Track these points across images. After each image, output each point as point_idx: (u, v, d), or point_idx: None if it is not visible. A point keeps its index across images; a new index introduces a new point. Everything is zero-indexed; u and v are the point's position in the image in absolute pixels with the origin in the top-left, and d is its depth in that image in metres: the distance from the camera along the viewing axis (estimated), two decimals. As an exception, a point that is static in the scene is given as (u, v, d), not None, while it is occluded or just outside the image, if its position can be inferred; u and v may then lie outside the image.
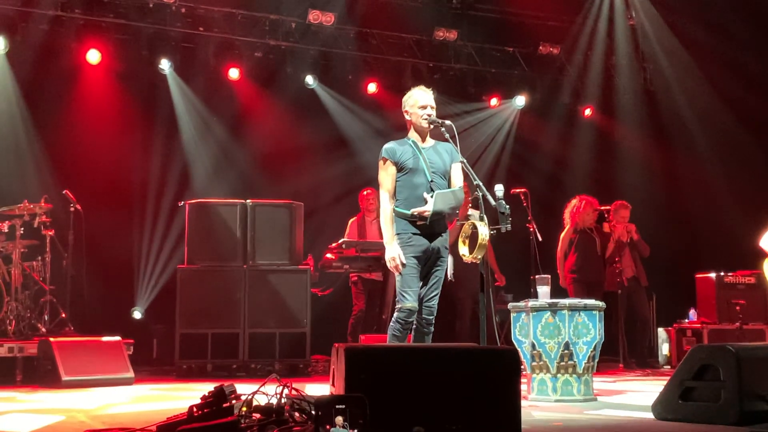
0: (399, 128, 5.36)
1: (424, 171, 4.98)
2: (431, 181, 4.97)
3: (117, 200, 8.85)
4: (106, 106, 8.93)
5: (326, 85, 10.01)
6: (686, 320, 8.78)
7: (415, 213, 4.90)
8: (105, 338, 6.83)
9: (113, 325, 7.71)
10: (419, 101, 5.08)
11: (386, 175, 5.04)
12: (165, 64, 9.10)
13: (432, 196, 4.87)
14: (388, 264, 4.92)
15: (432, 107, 5.09)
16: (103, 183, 8.70)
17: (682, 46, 10.26)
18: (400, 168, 5.00)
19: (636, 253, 8.67)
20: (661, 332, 8.86)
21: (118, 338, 6.88)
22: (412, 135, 5.15)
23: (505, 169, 10.69)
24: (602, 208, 8.49)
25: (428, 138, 5.15)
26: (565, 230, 8.45)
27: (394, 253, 4.88)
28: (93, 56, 8.78)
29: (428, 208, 4.87)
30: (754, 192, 9.27)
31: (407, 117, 5.14)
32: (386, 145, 5.09)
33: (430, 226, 4.93)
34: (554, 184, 10.40)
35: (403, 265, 4.88)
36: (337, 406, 3.15)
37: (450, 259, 5.09)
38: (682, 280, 9.25)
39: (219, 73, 9.40)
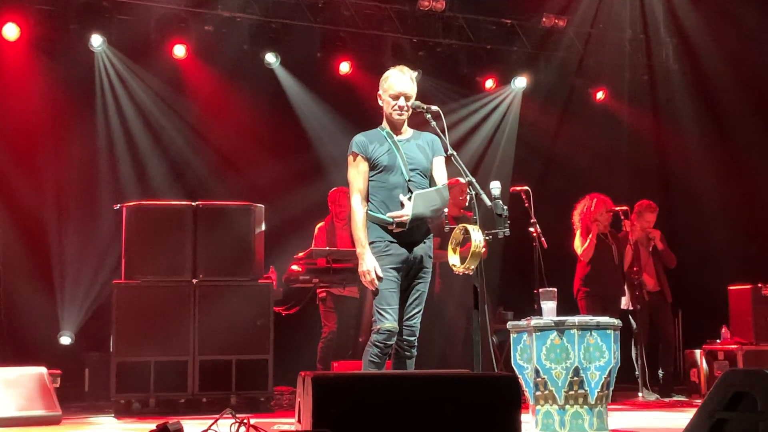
0: (376, 114, 5.36)
1: (401, 169, 5.00)
2: (409, 180, 4.99)
3: (37, 206, 8.83)
4: (25, 90, 8.88)
5: (290, 64, 10.00)
6: (718, 341, 8.85)
7: (393, 218, 4.90)
8: (27, 369, 6.76)
9: (37, 353, 7.65)
10: (393, 87, 5.05)
11: (357, 173, 5.04)
12: (97, 40, 9.06)
13: (410, 198, 4.89)
14: (362, 278, 4.94)
15: (407, 96, 5.05)
16: (20, 185, 8.66)
17: (710, 15, 10.30)
18: (373, 165, 5.02)
19: (660, 264, 8.72)
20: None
21: (42, 369, 6.81)
22: (387, 124, 5.15)
23: (503, 163, 10.74)
24: (617, 208, 8.52)
25: (406, 128, 5.15)
26: (577, 236, 8.47)
27: (369, 265, 4.89)
28: (10, 31, 8.71)
29: (406, 212, 4.88)
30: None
31: (380, 103, 5.16)
32: (356, 138, 5.10)
33: (410, 233, 4.95)
34: (560, 180, 10.44)
35: (380, 278, 4.89)
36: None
37: None
38: (712, 293, 9.32)
39: (161, 50, 9.38)
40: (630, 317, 8.42)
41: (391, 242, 4.95)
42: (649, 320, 8.60)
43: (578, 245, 8.47)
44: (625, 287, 8.51)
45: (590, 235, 8.35)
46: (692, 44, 10.68)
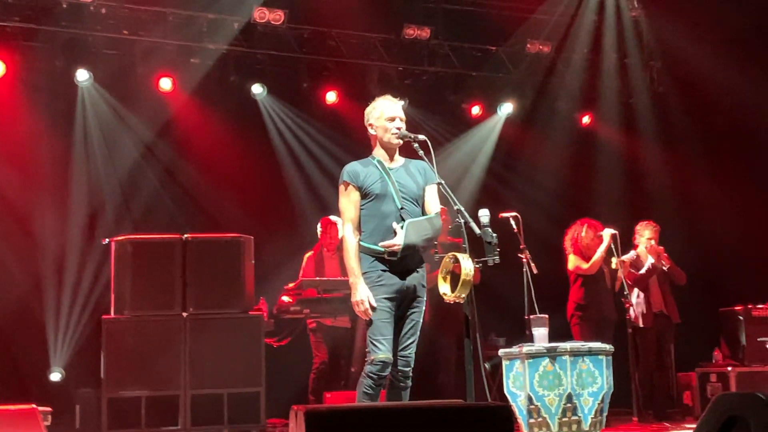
0: (364, 144, 5.41)
1: (393, 197, 5.02)
2: (401, 208, 5.00)
3: (25, 240, 8.79)
4: (11, 127, 8.88)
5: (277, 95, 10.06)
6: (710, 363, 8.85)
7: (384, 247, 4.91)
8: (16, 407, 6.71)
9: (27, 390, 7.60)
10: (386, 112, 5.13)
11: (348, 203, 5.06)
12: (83, 75, 9.09)
13: (402, 227, 4.90)
14: (355, 308, 4.95)
15: (402, 119, 5.14)
16: (6, 221, 8.63)
17: (694, 38, 10.36)
18: (364, 194, 5.04)
19: (666, 284, 8.71)
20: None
21: (32, 406, 6.77)
22: (378, 153, 5.19)
23: (492, 189, 10.75)
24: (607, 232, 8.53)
25: (397, 156, 5.20)
26: (572, 258, 8.47)
27: (362, 295, 4.90)
28: (-4, 68, 8.75)
29: (398, 242, 4.90)
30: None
31: (371, 132, 5.20)
32: (347, 167, 5.13)
33: (403, 262, 4.96)
34: (550, 205, 10.47)
35: (374, 309, 4.89)
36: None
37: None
38: (703, 315, 9.32)
39: (148, 83, 9.39)
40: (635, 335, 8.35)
41: (384, 271, 4.96)
42: (656, 342, 8.56)
43: (578, 263, 8.40)
44: (634, 305, 8.43)
45: (601, 246, 8.29)
46: (678, 67, 10.74)
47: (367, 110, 5.22)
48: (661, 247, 8.70)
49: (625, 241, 8.66)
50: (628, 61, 11.12)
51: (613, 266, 8.38)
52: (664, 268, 8.61)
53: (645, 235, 8.70)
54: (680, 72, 10.73)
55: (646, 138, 11.09)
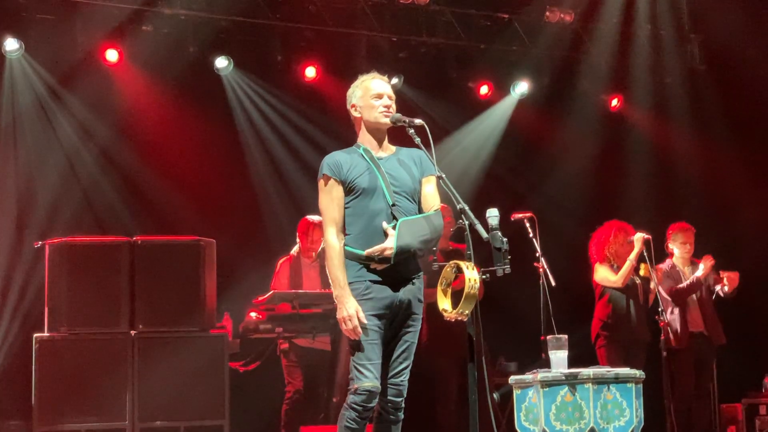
0: (349, 128, 5.40)
1: (383, 192, 5.00)
2: (393, 205, 4.97)
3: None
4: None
5: (245, 69, 10.06)
6: (759, 392, 8.89)
7: (372, 253, 4.89)
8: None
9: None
10: (372, 88, 5.13)
11: (330, 201, 5.03)
12: (11, 45, 9.08)
13: (395, 227, 4.88)
14: (342, 326, 4.91)
15: (390, 97, 5.14)
16: None
17: (743, 6, 10.38)
18: (349, 189, 5.02)
19: (708, 297, 8.73)
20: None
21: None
22: (364, 140, 5.18)
23: (502, 185, 10.78)
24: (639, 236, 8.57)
25: (387, 143, 5.19)
26: (598, 267, 8.48)
27: (350, 309, 4.86)
28: None
29: (389, 244, 4.86)
30: None
31: (356, 114, 5.19)
32: (327, 158, 5.11)
33: (395, 270, 4.93)
34: (572, 205, 10.51)
35: (364, 326, 4.86)
36: None
37: None
38: (750, 335, 9.35)
39: (90, 55, 9.38)
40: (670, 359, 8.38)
41: (373, 283, 4.93)
42: (695, 366, 8.59)
43: (605, 275, 8.43)
44: (669, 322, 8.44)
45: (632, 254, 8.28)
46: (723, 41, 10.75)
47: (349, 91, 5.23)
48: (737, 273, 8.65)
49: (660, 248, 8.68)
50: (665, 33, 11.14)
51: (641, 272, 8.38)
52: (724, 290, 8.61)
53: (678, 239, 8.75)
54: (726, 47, 10.73)
55: (684, 125, 11.13)
